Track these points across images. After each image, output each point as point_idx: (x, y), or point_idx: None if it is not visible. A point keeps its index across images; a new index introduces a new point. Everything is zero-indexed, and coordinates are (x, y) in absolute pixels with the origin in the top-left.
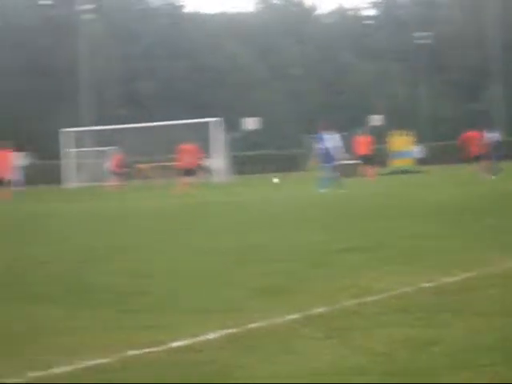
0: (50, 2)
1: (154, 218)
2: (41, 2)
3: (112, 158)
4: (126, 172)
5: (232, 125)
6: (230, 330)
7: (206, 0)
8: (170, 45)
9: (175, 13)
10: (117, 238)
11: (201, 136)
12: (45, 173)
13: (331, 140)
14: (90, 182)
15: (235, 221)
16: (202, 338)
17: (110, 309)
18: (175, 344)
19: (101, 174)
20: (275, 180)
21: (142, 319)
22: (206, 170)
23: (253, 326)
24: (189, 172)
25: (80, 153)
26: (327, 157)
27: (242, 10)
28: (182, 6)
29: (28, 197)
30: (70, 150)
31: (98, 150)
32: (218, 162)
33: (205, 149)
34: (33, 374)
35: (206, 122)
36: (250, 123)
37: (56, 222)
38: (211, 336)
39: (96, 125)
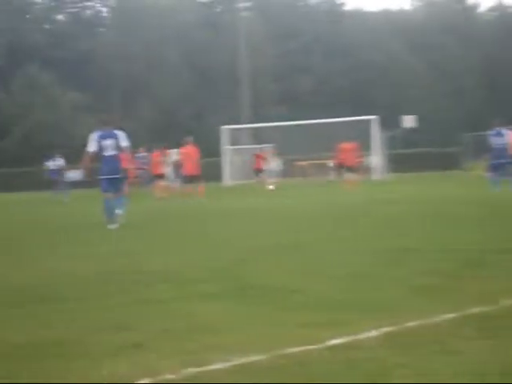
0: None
1: (316, 215)
2: (200, 0)
3: (258, 156)
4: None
5: (390, 122)
6: (388, 329)
7: None
8: (328, 42)
9: (335, 10)
10: (278, 236)
11: (359, 134)
12: (204, 170)
13: (508, 136)
14: (249, 179)
15: (392, 218)
16: (359, 335)
17: (267, 306)
18: (333, 342)
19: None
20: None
21: (299, 317)
22: (365, 168)
23: (410, 324)
24: (349, 170)
25: (239, 150)
26: (501, 153)
27: (402, 7)
28: (342, 4)
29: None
30: (229, 147)
31: (257, 148)
32: (376, 159)
33: (363, 147)
34: (189, 371)
35: (364, 120)
36: (408, 121)
37: (218, 220)
38: (369, 334)
39: (254, 122)
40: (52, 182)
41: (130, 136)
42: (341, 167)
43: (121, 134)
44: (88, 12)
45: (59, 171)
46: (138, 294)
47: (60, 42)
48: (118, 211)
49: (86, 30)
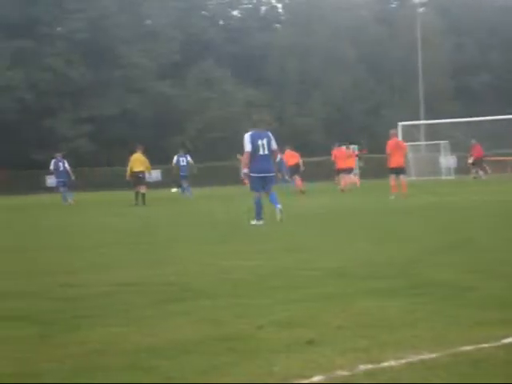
0: None
1: (485, 212)
2: None
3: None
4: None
5: None
6: None
7: None
8: (504, 37)
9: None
10: (449, 233)
11: None
12: (381, 166)
13: None
14: (425, 176)
15: None
16: None
17: (440, 304)
18: (507, 340)
19: (435, 168)
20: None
21: (472, 314)
22: None
23: None
24: None
25: (415, 146)
26: None
27: None
28: None
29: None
30: (407, 143)
31: (432, 144)
32: None
33: None
34: (361, 368)
35: None
36: None
37: (392, 216)
38: None
39: (429, 118)
40: (181, 178)
41: (304, 132)
42: None
43: (272, 136)
44: (263, 8)
45: (187, 168)
46: (309, 290)
47: (235, 38)
48: (278, 206)
49: (261, 25)
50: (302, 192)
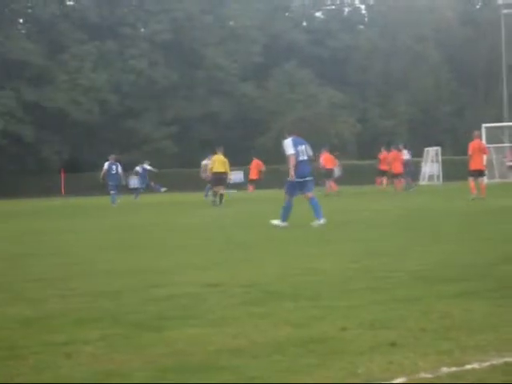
0: None
1: None
2: None
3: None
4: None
5: None
6: None
7: None
8: None
9: None
10: None
11: None
12: (463, 167)
13: None
14: (510, 179)
15: None
16: None
17: None
18: None
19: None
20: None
21: None
22: None
23: None
24: None
25: (499, 149)
26: None
27: None
28: None
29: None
30: (489, 145)
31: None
32: None
33: None
34: (444, 370)
35: None
36: None
37: (477, 218)
38: None
39: None
40: None
41: (388, 133)
42: None
43: (306, 142)
44: (346, 9)
45: None
46: (392, 292)
47: (318, 39)
48: (322, 221)
49: (345, 27)
50: (338, 195)
